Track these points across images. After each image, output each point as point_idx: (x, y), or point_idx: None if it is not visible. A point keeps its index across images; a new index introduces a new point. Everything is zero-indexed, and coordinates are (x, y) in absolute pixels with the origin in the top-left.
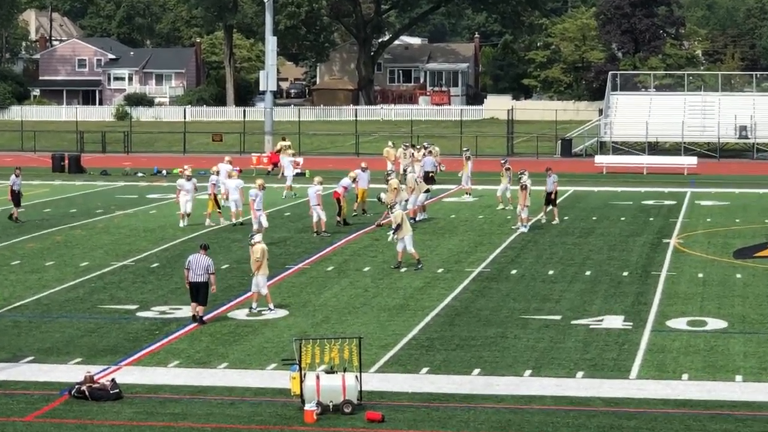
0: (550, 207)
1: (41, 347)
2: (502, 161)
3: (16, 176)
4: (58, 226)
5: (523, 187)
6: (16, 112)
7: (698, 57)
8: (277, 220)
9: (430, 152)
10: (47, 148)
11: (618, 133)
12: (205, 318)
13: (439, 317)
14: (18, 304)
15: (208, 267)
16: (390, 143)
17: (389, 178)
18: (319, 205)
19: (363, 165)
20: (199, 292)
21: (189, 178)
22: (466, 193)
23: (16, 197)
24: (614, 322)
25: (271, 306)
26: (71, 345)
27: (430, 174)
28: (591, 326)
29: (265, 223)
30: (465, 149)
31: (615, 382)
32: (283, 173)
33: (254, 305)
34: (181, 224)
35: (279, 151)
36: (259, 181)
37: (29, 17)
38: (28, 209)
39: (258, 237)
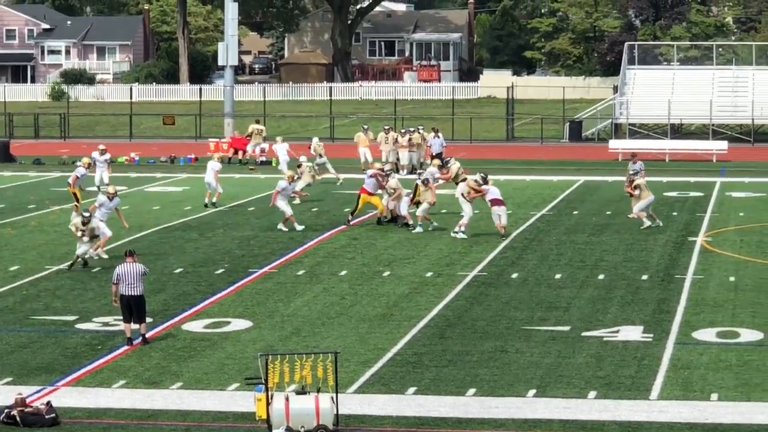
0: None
1: None
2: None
3: None
4: None
5: (425, 182)
6: None
7: (729, 25)
8: (238, 217)
9: (437, 133)
10: None
11: (636, 114)
12: (148, 335)
13: (428, 329)
14: None
15: (144, 274)
16: (363, 126)
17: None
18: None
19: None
20: (135, 308)
21: (111, 197)
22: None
23: None
24: (632, 333)
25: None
26: (0, 362)
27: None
28: (605, 338)
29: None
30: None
31: (633, 403)
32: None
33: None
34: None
35: (250, 135)
36: (289, 173)
37: None
38: None
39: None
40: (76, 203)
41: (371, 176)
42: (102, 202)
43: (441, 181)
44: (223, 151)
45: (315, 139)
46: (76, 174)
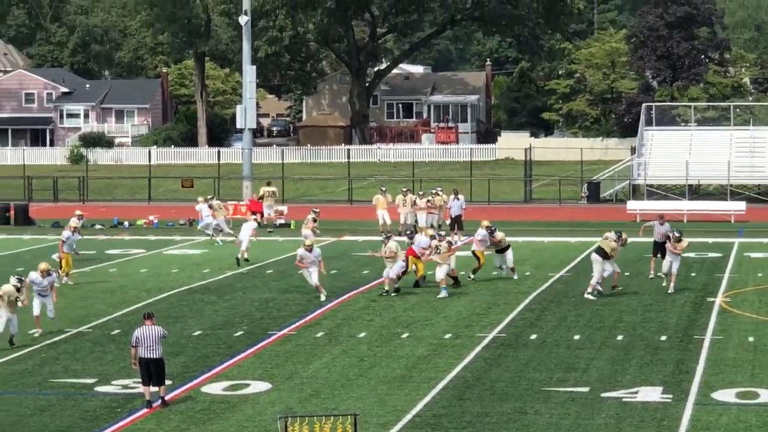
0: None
1: None
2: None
3: None
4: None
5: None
6: None
7: (746, 86)
8: (257, 279)
9: (457, 195)
10: None
11: (653, 175)
12: (167, 397)
13: (447, 390)
14: None
15: (163, 336)
16: (382, 188)
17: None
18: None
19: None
20: (155, 371)
21: (45, 274)
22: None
23: None
24: (651, 394)
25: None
26: (19, 425)
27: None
28: (624, 399)
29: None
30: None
31: None
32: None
33: None
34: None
35: (262, 197)
36: (308, 242)
37: None
38: None
39: None
40: (58, 269)
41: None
42: (33, 279)
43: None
44: (242, 214)
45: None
46: (62, 238)
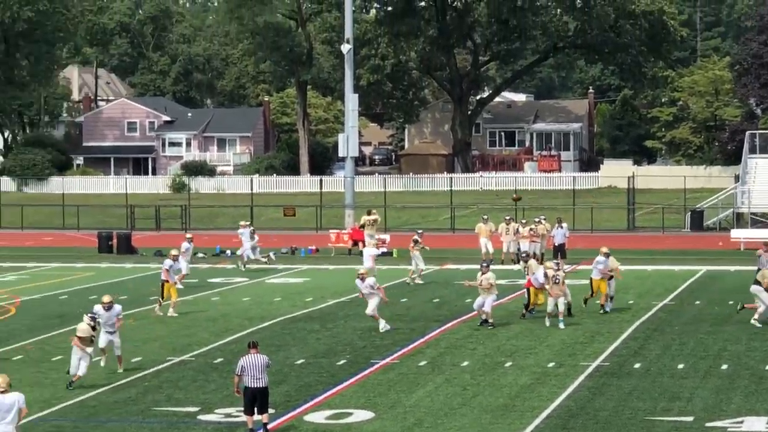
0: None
1: None
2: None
3: None
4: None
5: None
6: (57, 184)
7: None
8: (360, 308)
9: (561, 223)
10: (92, 225)
11: (758, 203)
12: (270, 426)
13: (551, 419)
14: (61, 406)
15: (268, 365)
16: (484, 216)
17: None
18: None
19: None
20: (260, 400)
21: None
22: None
23: None
24: (756, 424)
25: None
26: None
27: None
28: (729, 429)
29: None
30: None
31: None
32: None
33: None
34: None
35: (363, 226)
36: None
37: (71, 74)
38: (69, 296)
39: None
40: (160, 298)
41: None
42: (95, 311)
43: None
44: (344, 242)
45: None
46: (165, 267)
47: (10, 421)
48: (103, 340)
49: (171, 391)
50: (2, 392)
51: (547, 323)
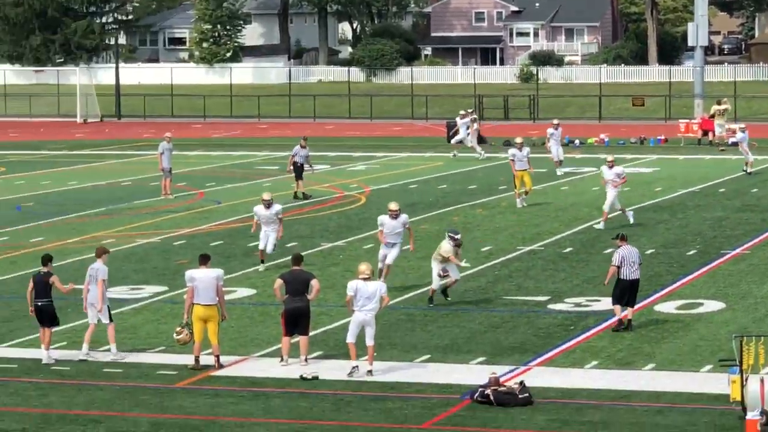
0: None
1: (438, 344)
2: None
3: (301, 147)
4: (455, 204)
5: None
6: (405, 75)
7: None
8: (710, 198)
9: None
10: (441, 115)
11: None
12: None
13: None
14: (410, 294)
15: (640, 259)
16: None
17: None
18: None
19: None
20: (630, 292)
21: (268, 205)
22: None
23: (298, 170)
24: None
25: None
26: (473, 342)
27: None
28: None
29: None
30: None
31: None
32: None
33: None
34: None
35: (713, 116)
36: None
37: None
38: (419, 185)
39: None
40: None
41: None
42: (256, 211)
43: None
44: (693, 132)
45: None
46: (510, 157)
47: (371, 308)
48: (263, 240)
49: (521, 281)
50: (366, 279)
51: None
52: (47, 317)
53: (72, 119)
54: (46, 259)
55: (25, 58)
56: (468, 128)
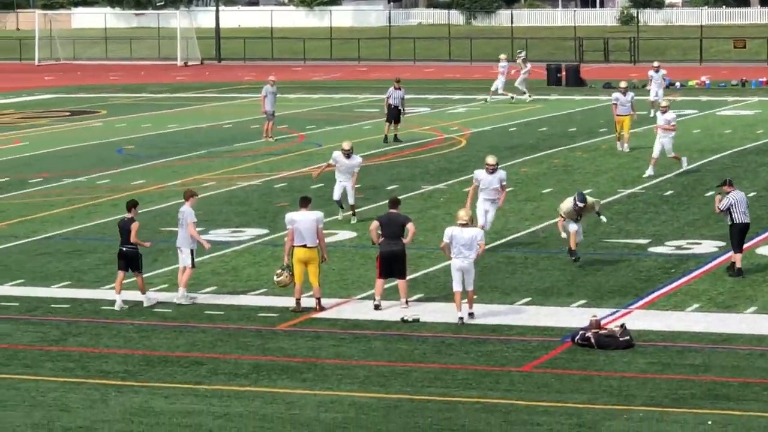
0: None
1: (539, 287)
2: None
3: (395, 89)
4: (555, 147)
5: None
6: (505, 17)
7: None
8: None
9: None
10: (541, 57)
11: None
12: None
13: None
14: (512, 237)
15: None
16: None
17: None
18: None
19: None
20: (738, 236)
21: (348, 155)
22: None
23: (391, 112)
24: None
25: None
26: (573, 285)
27: None
28: None
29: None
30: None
31: None
32: None
33: None
34: None
35: None
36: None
37: None
38: (519, 128)
39: None
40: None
41: None
42: (335, 157)
43: None
44: None
45: None
46: (613, 101)
47: (468, 255)
48: (337, 190)
49: (622, 223)
50: (463, 225)
51: None
52: (130, 263)
53: (172, 62)
54: (131, 205)
55: (125, 1)
56: (504, 74)
